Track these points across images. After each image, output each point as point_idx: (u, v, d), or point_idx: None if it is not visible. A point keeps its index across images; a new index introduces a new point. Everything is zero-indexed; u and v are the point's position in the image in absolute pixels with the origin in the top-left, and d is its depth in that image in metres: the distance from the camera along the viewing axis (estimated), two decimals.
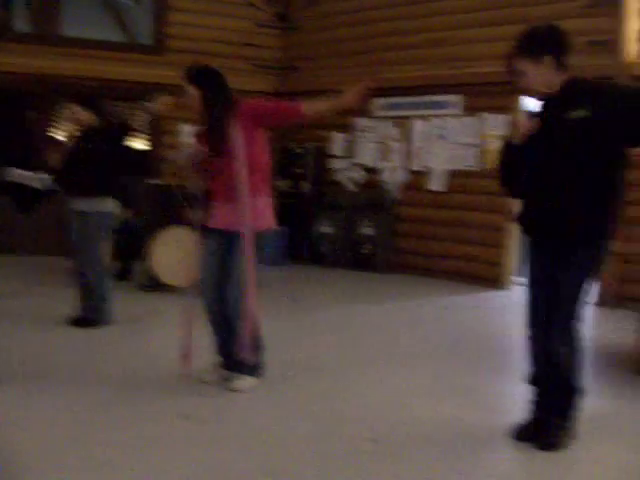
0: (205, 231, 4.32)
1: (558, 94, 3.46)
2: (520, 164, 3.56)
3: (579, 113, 3.35)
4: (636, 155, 7.24)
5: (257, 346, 4.30)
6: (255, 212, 4.12)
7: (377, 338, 5.79)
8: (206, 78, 4.22)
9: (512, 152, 3.58)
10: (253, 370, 4.30)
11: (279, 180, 10.20)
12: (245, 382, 4.25)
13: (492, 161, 8.49)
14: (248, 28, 10.42)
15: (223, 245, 4.20)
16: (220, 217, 4.21)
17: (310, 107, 4.19)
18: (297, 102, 4.24)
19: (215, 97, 4.16)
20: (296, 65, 10.65)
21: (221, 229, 4.20)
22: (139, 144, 9.74)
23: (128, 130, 5.63)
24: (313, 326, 6.17)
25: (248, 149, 4.09)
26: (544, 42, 3.44)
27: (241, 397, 4.14)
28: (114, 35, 10.40)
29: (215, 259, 4.24)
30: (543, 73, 3.43)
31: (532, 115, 3.55)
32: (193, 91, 4.18)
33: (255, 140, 4.14)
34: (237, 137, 4.07)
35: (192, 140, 4.47)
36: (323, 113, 4.31)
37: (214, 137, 4.14)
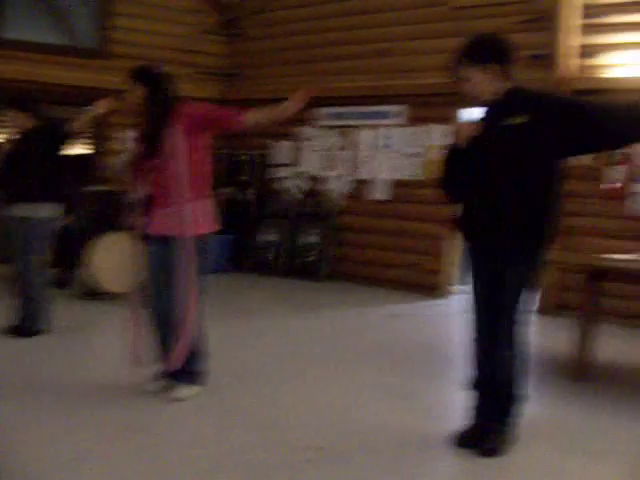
0: (145, 237, 4.26)
1: (500, 102, 3.53)
2: (462, 169, 3.61)
3: (517, 120, 3.42)
4: (574, 167, 7.44)
5: (200, 354, 4.27)
6: (195, 216, 4.07)
7: (319, 346, 5.80)
8: (152, 77, 4.17)
9: (455, 156, 3.63)
10: (195, 378, 4.26)
11: (224, 187, 10.17)
12: (187, 390, 4.21)
13: (435, 171, 8.60)
14: (194, 35, 10.37)
15: (163, 251, 4.14)
16: (159, 222, 4.16)
17: (252, 116, 4.17)
18: (239, 110, 4.22)
19: (157, 97, 4.11)
20: (242, 72, 10.63)
21: (160, 234, 4.15)
22: (80, 149, 9.60)
23: (68, 135, 5.53)
24: (256, 334, 6.14)
25: (188, 152, 4.05)
26: (489, 50, 3.50)
27: (183, 406, 4.10)
28: (57, 39, 10.21)
29: (156, 265, 4.19)
30: (487, 80, 3.49)
31: (475, 121, 3.61)
32: (137, 90, 4.14)
33: (196, 144, 4.09)
34: (177, 140, 4.02)
35: (133, 143, 4.42)
36: (265, 122, 4.29)
37: (152, 138, 4.09)
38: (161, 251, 4.16)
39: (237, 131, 4.31)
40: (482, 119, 3.63)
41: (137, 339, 4.30)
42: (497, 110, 3.53)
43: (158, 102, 4.11)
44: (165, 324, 4.16)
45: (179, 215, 4.01)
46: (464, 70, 3.52)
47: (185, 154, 4.03)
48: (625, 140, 3.70)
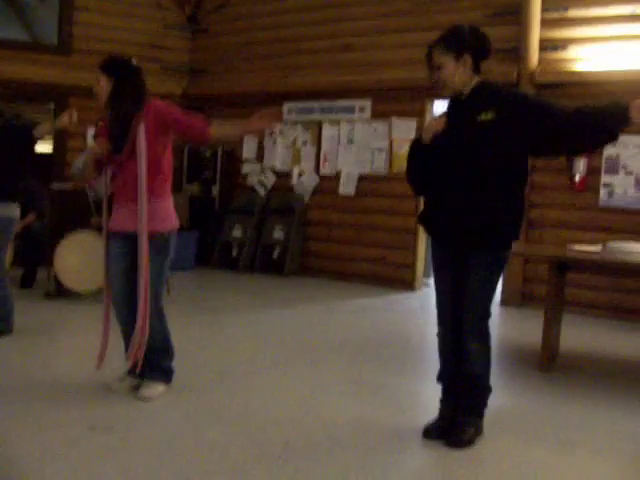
0: (109, 234, 4.21)
1: (469, 95, 3.54)
2: (428, 163, 3.62)
3: (486, 116, 3.44)
4: (538, 159, 7.48)
5: (166, 352, 4.23)
6: (159, 213, 4.03)
7: (287, 341, 5.79)
8: (119, 69, 4.09)
9: (421, 151, 3.64)
10: (162, 376, 4.22)
11: (188, 184, 10.12)
12: (155, 389, 4.16)
13: (400, 165, 8.64)
14: (156, 30, 10.29)
15: (128, 248, 4.10)
16: (122, 219, 4.10)
17: (217, 129, 4.10)
18: (206, 121, 4.14)
19: (125, 90, 4.04)
20: (205, 68, 10.57)
21: (124, 231, 4.10)
22: (43, 147, 9.47)
23: (35, 140, 5.41)
24: (222, 330, 6.11)
25: (152, 149, 3.99)
26: (467, 41, 3.50)
27: (151, 404, 4.06)
28: (17, 34, 10.06)
29: (121, 262, 4.14)
30: (460, 71, 3.50)
31: (442, 116, 3.61)
32: (104, 81, 4.06)
33: (160, 141, 4.04)
34: (142, 135, 3.98)
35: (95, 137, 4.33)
36: (229, 137, 4.25)
37: (117, 132, 4.02)
38: (124, 248, 4.11)
39: (201, 143, 4.21)
40: (448, 112, 3.64)
41: (104, 338, 4.26)
42: (466, 104, 3.55)
43: (124, 95, 4.03)
44: (128, 322, 4.11)
45: (141, 212, 3.96)
46: (437, 56, 3.52)
47: (149, 152, 3.99)
48: (586, 148, 3.74)
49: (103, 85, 4.07)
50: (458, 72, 3.50)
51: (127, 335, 4.16)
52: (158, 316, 4.13)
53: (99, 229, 4.43)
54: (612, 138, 3.40)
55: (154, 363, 4.19)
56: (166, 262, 4.13)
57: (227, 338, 5.85)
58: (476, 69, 3.54)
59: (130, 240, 4.06)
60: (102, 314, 4.28)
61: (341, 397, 4.38)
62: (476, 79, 3.54)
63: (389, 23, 8.83)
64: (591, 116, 3.37)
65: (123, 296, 4.14)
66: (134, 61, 4.19)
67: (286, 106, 9.62)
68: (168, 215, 4.12)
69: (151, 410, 3.98)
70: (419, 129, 8.53)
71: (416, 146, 3.70)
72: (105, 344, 4.26)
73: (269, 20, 9.85)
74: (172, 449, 3.45)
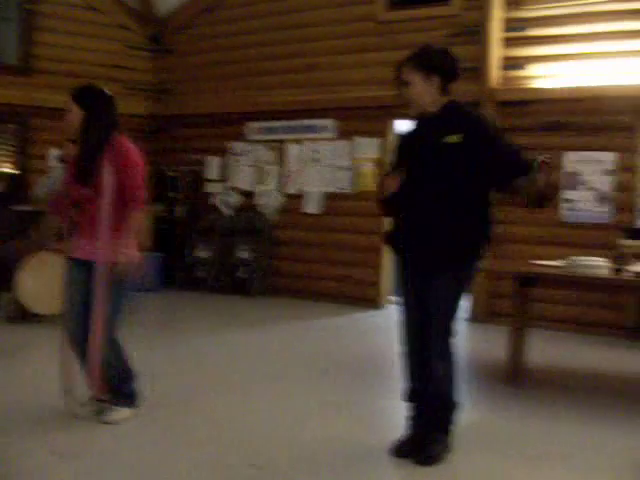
0: (69, 260, 4.14)
1: (435, 116, 3.58)
2: (396, 203, 3.66)
3: (453, 139, 3.48)
4: None
5: (129, 376, 4.17)
6: (118, 245, 3.96)
7: (255, 362, 5.76)
8: (92, 100, 4.04)
9: (386, 202, 3.70)
10: (128, 400, 4.17)
11: (153, 205, 10.04)
12: (120, 413, 4.10)
13: (364, 183, 8.69)
14: (120, 50, 10.25)
15: (84, 275, 4.03)
16: (81, 247, 4.04)
17: (136, 220, 4.02)
18: (141, 202, 4.04)
19: (96, 124, 3.98)
20: (170, 88, 10.54)
21: (84, 259, 4.04)
22: (5, 168, 9.35)
23: None
24: (188, 352, 6.05)
25: (116, 185, 3.93)
26: (436, 62, 3.54)
27: (116, 429, 4.00)
28: None
29: (78, 289, 4.08)
30: (428, 90, 3.53)
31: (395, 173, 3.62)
32: (75, 111, 4.00)
33: (118, 175, 3.98)
34: (107, 172, 3.91)
35: (61, 164, 4.28)
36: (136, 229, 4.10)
37: (86, 164, 3.96)
38: (81, 275, 4.05)
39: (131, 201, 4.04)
40: (415, 132, 3.67)
41: (68, 363, 4.18)
42: (432, 125, 3.58)
43: (95, 129, 3.98)
44: (81, 349, 4.04)
45: (101, 244, 3.91)
46: (407, 73, 3.55)
47: (113, 187, 3.94)
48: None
49: (74, 115, 4.01)
50: (425, 91, 3.53)
51: (83, 361, 4.09)
52: (112, 347, 4.05)
53: (59, 252, 4.35)
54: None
55: (117, 389, 4.13)
56: (121, 294, 4.05)
57: (193, 359, 5.80)
58: (444, 90, 3.57)
59: (86, 267, 4.00)
60: (64, 339, 4.20)
61: (309, 416, 4.36)
62: (444, 99, 3.58)
63: (352, 43, 8.90)
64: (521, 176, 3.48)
65: (77, 323, 4.05)
66: (107, 92, 4.13)
67: (250, 126, 9.63)
68: (128, 246, 4.05)
69: (118, 435, 3.92)
70: (382, 147, 8.59)
71: (382, 202, 3.72)
72: (68, 369, 4.18)
73: (233, 40, 9.87)
74: (140, 474, 3.41)
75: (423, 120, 3.64)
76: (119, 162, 3.95)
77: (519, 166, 3.47)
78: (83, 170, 3.98)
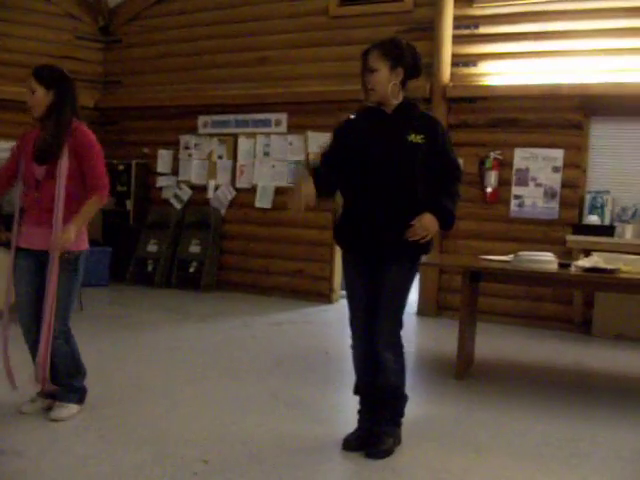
0: (18, 251, 4.04)
1: (395, 111, 3.59)
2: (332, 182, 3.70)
3: (416, 138, 3.52)
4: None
5: (77, 371, 4.09)
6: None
7: (204, 357, 5.71)
8: (58, 80, 3.93)
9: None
10: (74, 396, 4.09)
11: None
12: (67, 410, 4.02)
13: None
14: (68, 40, 10.06)
15: (36, 266, 3.95)
16: (33, 237, 3.94)
17: (90, 205, 3.93)
18: (105, 188, 4.00)
19: (65, 105, 3.88)
20: (119, 80, 10.39)
21: (34, 249, 3.96)
22: None
23: None
24: (137, 347, 5.98)
25: (73, 172, 3.86)
26: (404, 56, 3.55)
27: (63, 426, 3.92)
28: None
29: (29, 280, 3.99)
30: (391, 81, 3.53)
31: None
32: (41, 92, 3.87)
33: (77, 166, 3.90)
34: (65, 156, 3.84)
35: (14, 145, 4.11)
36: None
37: (48, 145, 3.83)
38: (32, 266, 3.96)
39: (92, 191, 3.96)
40: (369, 124, 3.64)
41: (7, 358, 4.08)
42: (393, 120, 3.58)
43: (64, 110, 3.87)
44: (36, 341, 3.95)
45: (51, 232, 3.83)
46: (374, 60, 3.53)
47: (70, 174, 3.85)
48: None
49: (40, 95, 3.89)
50: (388, 81, 3.53)
51: (32, 354, 4.02)
52: (66, 338, 3.98)
53: (6, 244, 4.25)
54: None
55: (65, 384, 4.05)
56: (74, 283, 3.97)
57: (143, 355, 5.73)
58: (404, 85, 3.59)
59: (39, 258, 3.92)
60: (5, 334, 4.10)
61: (259, 412, 4.34)
62: (400, 95, 3.59)
63: (305, 37, 8.89)
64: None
65: (30, 315, 3.97)
66: (67, 73, 4.04)
67: (201, 119, 9.56)
68: (82, 235, 3.99)
69: (64, 432, 3.85)
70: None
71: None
72: (9, 365, 4.08)
73: (184, 32, 9.77)
74: (86, 472, 3.34)
75: (379, 113, 3.62)
76: (79, 148, 3.88)
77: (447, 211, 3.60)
78: (46, 149, 3.84)
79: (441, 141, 3.60)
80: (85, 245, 4.02)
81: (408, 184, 3.54)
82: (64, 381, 4.04)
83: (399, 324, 3.66)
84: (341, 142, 3.70)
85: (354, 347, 3.77)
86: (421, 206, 3.55)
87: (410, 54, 3.58)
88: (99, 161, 3.98)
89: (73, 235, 3.84)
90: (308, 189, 3.54)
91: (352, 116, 3.74)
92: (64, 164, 3.84)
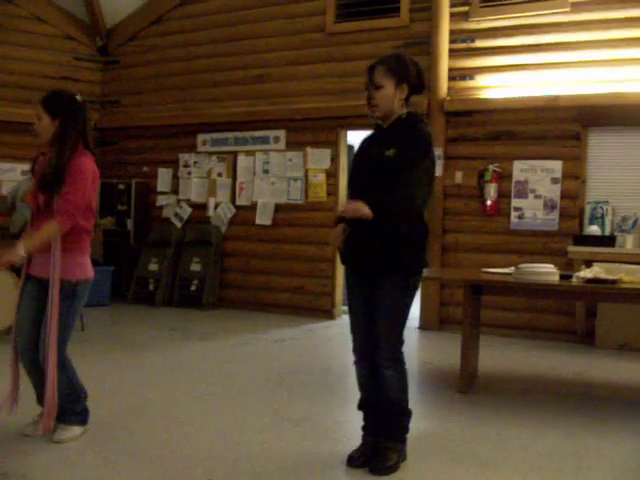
0: (26, 275, 4.02)
1: (389, 127, 3.60)
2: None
3: (389, 152, 3.51)
4: (449, 186, 7.69)
5: (78, 393, 4.06)
6: (70, 263, 3.86)
7: (207, 375, 5.69)
8: (64, 108, 3.89)
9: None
10: (77, 419, 4.06)
11: (103, 218, 9.92)
12: (70, 432, 4.00)
13: (316, 194, 8.69)
14: (66, 61, 10.12)
15: (41, 293, 3.92)
16: (38, 264, 3.92)
17: (48, 229, 3.78)
18: (65, 217, 3.76)
19: (69, 132, 3.84)
20: (117, 99, 10.43)
21: (38, 276, 3.94)
22: None
23: None
24: (139, 367, 5.96)
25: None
26: (409, 73, 3.56)
27: (66, 448, 3.90)
28: None
29: (31, 305, 3.97)
30: (396, 98, 3.54)
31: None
32: (46, 120, 3.85)
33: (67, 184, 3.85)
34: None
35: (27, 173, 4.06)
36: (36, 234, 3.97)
37: (56, 172, 3.78)
38: (36, 292, 3.94)
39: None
40: (368, 143, 3.69)
41: (15, 380, 4.06)
42: (384, 135, 3.60)
43: (69, 138, 3.83)
44: (39, 366, 3.93)
45: (53, 264, 3.80)
46: (380, 76, 3.54)
47: None
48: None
49: (45, 124, 3.86)
50: (394, 98, 3.54)
51: (33, 379, 3.99)
52: (61, 367, 3.91)
53: (12, 268, 4.22)
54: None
55: (66, 408, 4.03)
56: (71, 312, 3.92)
57: (145, 374, 5.71)
58: (407, 101, 3.59)
59: (41, 284, 3.90)
60: (11, 356, 4.09)
61: (263, 429, 4.32)
62: (403, 111, 3.59)
63: (303, 54, 8.93)
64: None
65: (28, 340, 3.94)
66: (79, 97, 4.00)
67: (200, 137, 9.58)
68: (79, 265, 3.93)
69: (67, 454, 3.83)
70: (334, 159, 8.63)
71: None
72: (15, 387, 4.07)
73: (182, 51, 9.82)
74: None
75: (377, 131, 3.66)
76: (70, 172, 3.83)
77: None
78: (50, 178, 3.80)
79: (411, 155, 3.48)
80: (83, 275, 3.95)
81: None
82: (65, 406, 4.02)
83: (399, 341, 3.64)
84: (352, 169, 3.81)
85: (357, 363, 3.76)
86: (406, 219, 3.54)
87: (415, 70, 3.59)
88: (83, 188, 3.84)
89: (20, 253, 3.74)
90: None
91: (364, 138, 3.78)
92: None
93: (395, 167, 3.47)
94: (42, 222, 3.84)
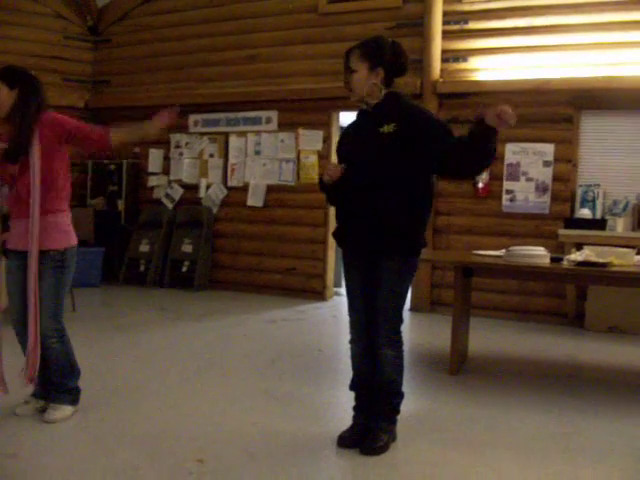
0: (7, 251, 4.03)
1: (375, 107, 3.58)
2: (334, 193, 3.69)
3: (387, 128, 3.49)
4: None
5: (71, 372, 4.08)
6: (52, 230, 3.87)
7: (198, 356, 5.70)
8: (21, 79, 3.92)
9: (326, 188, 3.72)
10: (69, 397, 4.07)
11: (93, 198, 9.89)
12: (61, 411, 4.01)
13: (308, 175, 8.68)
14: (57, 40, 10.02)
15: (22, 265, 3.91)
16: (17, 236, 3.92)
17: (117, 137, 4.03)
18: (105, 129, 4.05)
19: (29, 102, 3.87)
20: (108, 79, 10.36)
21: (20, 250, 3.93)
22: None
23: None
24: (131, 347, 5.96)
25: (46, 163, 3.84)
26: (384, 56, 3.53)
27: (58, 427, 3.91)
28: None
29: (18, 280, 3.97)
30: (371, 81, 3.53)
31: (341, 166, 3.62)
32: (4, 91, 3.87)
33: (55, 154, 3.89)
34: (36, 148, 3.82)
35: None
36: (129, 141, 4.17)
37: (17, 143, 3.83)
38: (21, 266, 3.94)
39: (102, 152, 4.14)
40: (357, 124, 3.69)
41: (1, 360, 4.06)
42: (371, 116, 3.59)
43: (29, 107, 3.87)
44: (26, 342, 3.94)
45: (32, 230, 3.81)
46: (354, 61, 3.55)
47: (43, 166, 3.83)
48: (475, 173, 3.80)
49: (4, 94, 3.88)
50: (368, 82, 3.53)
51: (25, 349, 4.00)
52: (59, 336, 3.96)
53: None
54: (491, 154, 3.38)
55: (59, 384, 4.03)
56: (63, 280, 3.95)
57: (136, 355, 5.71)
58: (388, 83, 3.58)
59: (24, 257, 3.89)
60: None
61: (254, 410, 4.34)
62: (384, 92, 3.58)
63: (295, 34, 8.88)
64: (470, 141, 3.34)
65: (20, 315, 3.96)
66: (32, 73, 4.04)
67: (192, 118, 9.54)
68: (63, 232, 3.95)
69: (58, 433, 3.84)
70: (326, 140, 8.61)
71: (321, 184, 3.76)
72: (2, 366, 4.06)
73: (173, 31, 9.74)
74: (80, 473, 3.34)
75: (363, 111, 3.66)
76: (55, 128, 3.88)
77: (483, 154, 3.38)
78: (15, 148, 3.84)
79: (420, 125, 3.48)
80: (70, 242, 3.98)
81: (383, 176, 3.50)
82: (57, 380, 4.03)
83: (399, 320, 3.66)
84: (338, 153, 3.80)
85: (352, 343, 3.77)
86: (409, 199, 3.53)
87: (392, 53, 3.55)
88: (84, 126, 4.00)
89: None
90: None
91: (346, 125, 3.79)
92: (36, 157, 3.82)
93: (391, 142, 3.46)
94: (21, 187, 3.85)
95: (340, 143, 3.82)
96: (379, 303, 3.61)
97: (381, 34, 3.75)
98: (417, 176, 3.55)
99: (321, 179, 3.75)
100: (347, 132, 3.80)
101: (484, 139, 3.29)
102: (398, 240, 3.56)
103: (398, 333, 3.67)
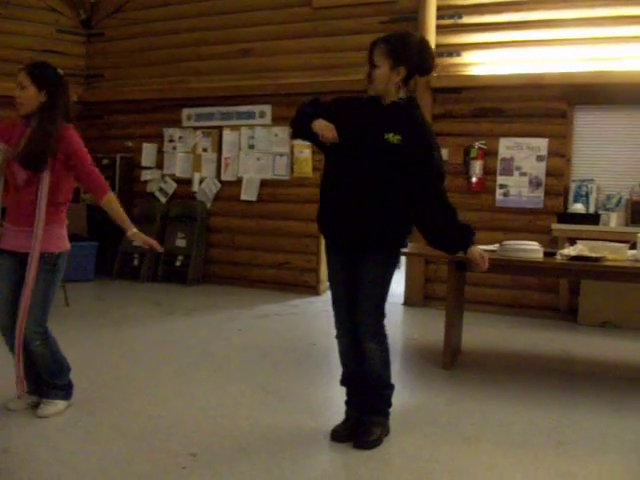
0: (1, 251, 3.99)
1: (389, 106, 3.53)
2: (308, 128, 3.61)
3: (393, 138, 3.45)
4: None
5: (62, 368, 4.06)
6: (49, 236, 3.84)
7: (192, 351, 5.70)
8: (52, 81, 3.80)
9: (302, 121, 3.68)
10: (61, 393, 4.06)
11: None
12: (54, 406, 4.00)
13: (302, 170, 8.67)
14: (49, 34, 9.96)
15: (16, 266, 3.88)
16: (13, 238, 3.89)
17: (110, 202, 4.00)
18: (105, 186, 4.00)
19: (57, 110, 3.77)
20: (102, 73, 10.32)
21: (14, 251, 3.90)
22: None
23: None
24: (124, 342, 5.95)
25: (54, 177, 3.79)
26: (409, 55, 3.46)
27: (50, 422, 3.91)
28: None
29: (7, 280, 3.92)
30: (391, 80, 3.49)
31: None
32: (32, 90, 3.75)
33: (62, 172, 3.83)
34: (52, 159, 3.77)
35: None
36: (112, 217, 4.09)
37: (36, 156, 3.72)
38: (12, 266, 3.91)
39: (93, 197, 4.06)
40: (364, 111, 3.60)
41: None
42: (383, 114, 3.53)
43: (57, 112, 3.77)
44: (13, 341, 3.92)
45: (35, 237, 3.77)
46: (377, 55, 3.48)
47: (52, 179, 3.78)
48: (427, 240, 3.80)
49: (31, 94, 3.76)
50: (388, 79, 3.48)
51: (13, 353, 3.98)
52: (42, 339, 3.90)
53: None
54: (449, 251, 3.82)
55: (49, 382, 4.02)
56: (52, 284, 3.91)
57: (129, 349, 5.71)
58: (406, 83, 3.52)
59: (19, 258, 3.87)
60: None
61: (247, 404, 4.34)
62: (403, 92, 3.53)
63: (288, 28, 8.85)
64: (452, 227, 3.63)
65: (7, 315, 3.93)
66: (61, 72, 3.92)
67: (185, 112, 9.51)
68: (59, 237, 3.92)
69: (51, 428, 3.83)
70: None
71: (299, 119, 3.70)
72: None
73: (167, 25, 9.70)
74: (73, 468, 3.33)
75: (376, 104, 3.57)
76: (69, 149, 3.80)
77: (455, 236, 3.69)
78: (33, 157, 3.74)
79: (421, 146, 3.49)
80: (65, 246, 3.97)
81: (375, 180, 3.48)
82: (47, 379, 4.01)
83: (381, 314, 3.66)
84: (334, 112, 3.63)
85: (339, 337, 3.77)
86: (396, 201, 3.53)
87: (418, 53, 3.48)
88: (90, 165, 3.94)
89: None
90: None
91: (360, 97, 3.67)
92: (46, 172, 3.77)
93: (395, 153, 3.44)
94: (24, 197, 3.81)
95: (343, 109, 3.65)
96: (362, 296, 3.61)
97: (408, 31, 3.69)
98: (410, 182, 3.53)
99: (304, 114, 3.66)
100: (355, 108, 3.62)
101: (455, 243, 3.72)
102: (382, 235, 3.56)
103: (381, 326, 3.67)
